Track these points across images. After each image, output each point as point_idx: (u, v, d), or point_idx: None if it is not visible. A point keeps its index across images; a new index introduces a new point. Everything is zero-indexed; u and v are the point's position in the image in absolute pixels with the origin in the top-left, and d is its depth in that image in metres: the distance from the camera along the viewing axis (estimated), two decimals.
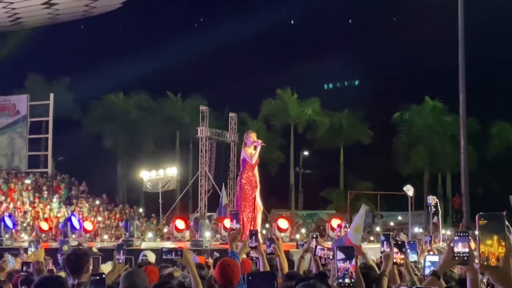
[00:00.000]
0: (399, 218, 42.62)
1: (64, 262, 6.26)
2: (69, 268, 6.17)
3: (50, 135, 41.82)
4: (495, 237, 3.12)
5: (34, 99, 42.44)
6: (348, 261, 3.78)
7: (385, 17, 48.88)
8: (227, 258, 6.23)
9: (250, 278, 3.27)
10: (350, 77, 55.12)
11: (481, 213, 3.21)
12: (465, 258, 3.80)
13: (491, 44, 46.14)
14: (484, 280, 6.52)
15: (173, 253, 5.90)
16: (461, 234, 3.82)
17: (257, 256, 7.17)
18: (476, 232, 3.21)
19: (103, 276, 4.72)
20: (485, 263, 3.10)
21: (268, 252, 7.18)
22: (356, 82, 57.86)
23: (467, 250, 3.79)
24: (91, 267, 6.40)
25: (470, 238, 3.82)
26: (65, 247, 11.65)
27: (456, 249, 3.80)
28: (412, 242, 5.98)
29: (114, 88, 49.83)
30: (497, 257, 3.11)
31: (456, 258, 3.81)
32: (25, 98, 42.35)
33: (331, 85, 58.68)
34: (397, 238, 12.09)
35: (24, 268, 7.72)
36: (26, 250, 10.64)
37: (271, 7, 50.99)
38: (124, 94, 50.57)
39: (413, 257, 5.90)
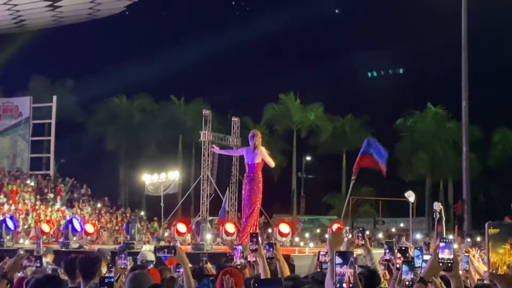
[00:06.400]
0: (401, 224, 42.54)
1: (77, 265, 6.19)
2: (82, 272, 6.14)
3: (52, 138, 41.80)
4: (507, 246, 3.12)
5: (37, 101, 42.39)
6: (345, 266, 3.76)
7: (386, 24, 48.88)
8: (231, 268, 6.10)
9: (256, 285, 3.26)
10: (353, 81, 54.94)
11: (490, 221, 3.20)
12: (449, 264, 3.83)
13: (494, 51, 46.09)
14: None
15: (166, 250, 5.83)
16: (446, 240, 3.84)
17: (254, 260, 7.13)
18: (486, 241, 3.20)
19: (112, 280, 4.74)
20: (495, 271, 3.10)
21: (267, 257, 7.16)
22: (401, 70, 55.83)
23: (451, 256, 3.81)
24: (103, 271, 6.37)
25: (454, 245, 3.83)
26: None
27: (441, 255, 3.82)
28: (419, 248, 5.82)
29: (117, 91, 49.87)
30: (508, 264, 3.11)
31: (441, 264, 3.83)
32: (28, 100, 42.34)
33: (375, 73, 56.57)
34: (401, 244, 12.06)
35: (25, 263, 7.63)
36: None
37: (274, 13, 50.99)
38: (127, 97, 50.58)
39: (418, 263, 5.76)
